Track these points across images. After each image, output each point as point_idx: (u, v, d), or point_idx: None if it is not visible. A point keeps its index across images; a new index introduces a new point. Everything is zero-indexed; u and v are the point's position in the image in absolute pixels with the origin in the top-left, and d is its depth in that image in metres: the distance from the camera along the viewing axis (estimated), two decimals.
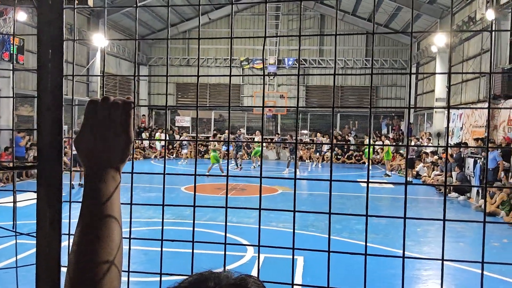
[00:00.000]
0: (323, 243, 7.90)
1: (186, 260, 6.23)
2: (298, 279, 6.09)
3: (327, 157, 25.68)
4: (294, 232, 1.12)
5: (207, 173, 17.49)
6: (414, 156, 17.85)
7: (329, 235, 1.08)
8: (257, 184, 14.61)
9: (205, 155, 24.94)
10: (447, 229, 9.33)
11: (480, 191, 12.85)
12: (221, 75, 1.05)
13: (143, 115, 29.98)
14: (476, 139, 14.98)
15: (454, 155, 14.70)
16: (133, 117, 0.94)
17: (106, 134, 0.90)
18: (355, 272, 6.19)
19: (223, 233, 7.06)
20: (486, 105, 16.12)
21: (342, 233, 8.78)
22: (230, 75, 1.05)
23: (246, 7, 28.51)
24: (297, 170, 16.80)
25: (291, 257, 5.07)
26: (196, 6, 27.03)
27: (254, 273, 6.86)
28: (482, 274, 0.99)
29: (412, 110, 27.29)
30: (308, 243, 7.69)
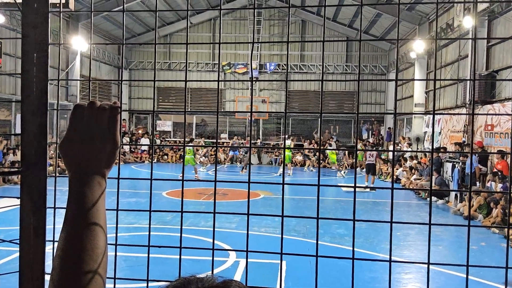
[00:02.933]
0: (304, 247, 7.92)
1: (168, 266, 6.14)
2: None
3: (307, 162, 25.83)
4: (282, 237, 1.12)
5: (198, 177, 17.75)
6: (374, 162, 17.20)
7: (317, 239, 1.09)
8: (239, 189, 14.60)
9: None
10: (426, 233, 9.46)
11: (458, 195, 13.06)
12: (209, 80, 1.05)
13: (123, 119, 29.73)
14: (456, 144, 15.25)
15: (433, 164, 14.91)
16: (119, 122, 0.93)
17: (93, 139, 0.89)
18: (337, 276, 6.23)
19: (205, 238, 7.01)
20: (464, 110, 16.44)
21: (323, 237, 8.82)
22: (218, 80, 1.06)
23: (228, 11, 28.55)
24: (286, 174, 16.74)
25: (272, 261, 5.08)
26: (177, 10, 26.89)
27: (236, 278, 6.83)
28: (467, 277, 1.01)
29: (391, 116, 27.65)
30: (290, 247, 7.71)
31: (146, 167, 22.61)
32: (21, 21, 1.13)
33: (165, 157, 26.30)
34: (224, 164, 25.29)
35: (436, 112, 1.04)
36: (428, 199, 14.43)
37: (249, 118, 27.87)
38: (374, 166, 16.98)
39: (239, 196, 13.70)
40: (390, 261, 1.10)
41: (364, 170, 16.96)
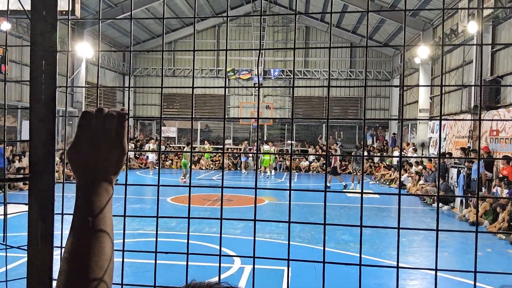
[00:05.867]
0: (309, 253, 7.88)
1: (172, 272, 6.09)
2: None
3: (312, 168, 25.81)
4: (289, 243, 1.12)
5: (184, 180, 18.51)
6: (338, 165, 18.93)
7: (324, 245, 1.09)
8: (243, 195, 14.59)
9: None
10: (431, 239, 9.43)
11: (464, 201, 13.00)
12: (216, 86, 1.06)
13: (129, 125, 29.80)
14: (462, 149, 15.20)
15: (436, 165, 14.86)
16: (127, 129, 0.93)
17: (100, 145, 0.89)
18: (341, 282, 6.20)
19: (210, 244, 6.97)
20: (468, 115, 16.40)
21: (328, 243, 8.79)
22: (225, 87, 1.06)
23: (232, 18, 28.67)
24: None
25: (276, 268, 5.05)
26: (184, 17, 27.05)
27: (242, 284, 6.75)
28: (475, 284, 1.00)
29: (395, 121, 27.63)
30: (294, 253, 7.68)
31: (154, 174, 22.63)
32: (30, 29, 1.14)
33: (167, 163, 26.34)
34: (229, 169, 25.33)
35: (442, 118, 1.04)
36: (433, 205, 14.37)
37: (252, 123, 27.90)
38: (336, 167, 18.79)
39: (244, 202, 13.69)
40: (397, 267, 1.09)
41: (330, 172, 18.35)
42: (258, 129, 1.14)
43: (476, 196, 1.14)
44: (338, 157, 18.45)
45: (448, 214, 13.31)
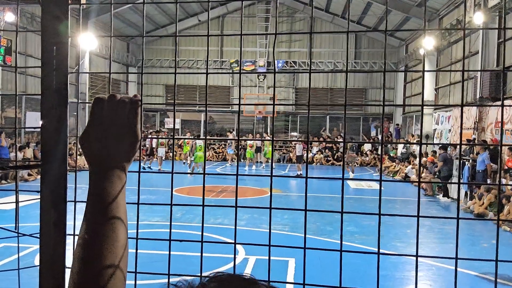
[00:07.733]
0: (314, 244, 7.86)
1: (178, 263, 6.10)
2: (290, 280, 6.07)
3: (316, 159, 25.79)
4: (305, 231, 1.11)
5: (191, 172, 18.31)
6: (303, 154, 20.24)
7: (341, 234, 1.08)
8: (247, 186, 14.62)
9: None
10: (436, 231, 9.43)
11: (468, 193, 12.97)
12: (231, 72, 1.04)
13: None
14: (467, 141, 15.15)
15: (439, 156, 14.82)
16: (140, 116, 0.92)
17: (113, 132, 0.88)
18: (350, 274, 6.21)
19: (215, 235, 6.96)
20: (474, 107, 16.31)
21: (333, 235, 8.80)
22: (240, 73, 1.04)
23: (237, 8, 28.52)
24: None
25: (281, 259, 5.05)
26: (188, 6, 26.96)
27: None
28: (496, 273, 0.99)
29: (400, 113, 27.57)
30: (300, 244, 7.67)
31: (154, 164, 22.66)
32: (40, 16, 1.12)
33: (171, 154, 26.30)
34: (231, 162, 25.21)
35: (464, 104, 1.02)
36: (437, 196, 14.36)
37: (256, 115, 27.79)
38: (302, 156, 20.20)
39: (247, 194, 13.72)
40: (417, 255, 1.08)
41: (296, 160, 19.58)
42: (273, 116, 1.12)
43: (498, 184, 1.13)
44: (302, 145, 20.16)
45: (452, 206, 13.29)
